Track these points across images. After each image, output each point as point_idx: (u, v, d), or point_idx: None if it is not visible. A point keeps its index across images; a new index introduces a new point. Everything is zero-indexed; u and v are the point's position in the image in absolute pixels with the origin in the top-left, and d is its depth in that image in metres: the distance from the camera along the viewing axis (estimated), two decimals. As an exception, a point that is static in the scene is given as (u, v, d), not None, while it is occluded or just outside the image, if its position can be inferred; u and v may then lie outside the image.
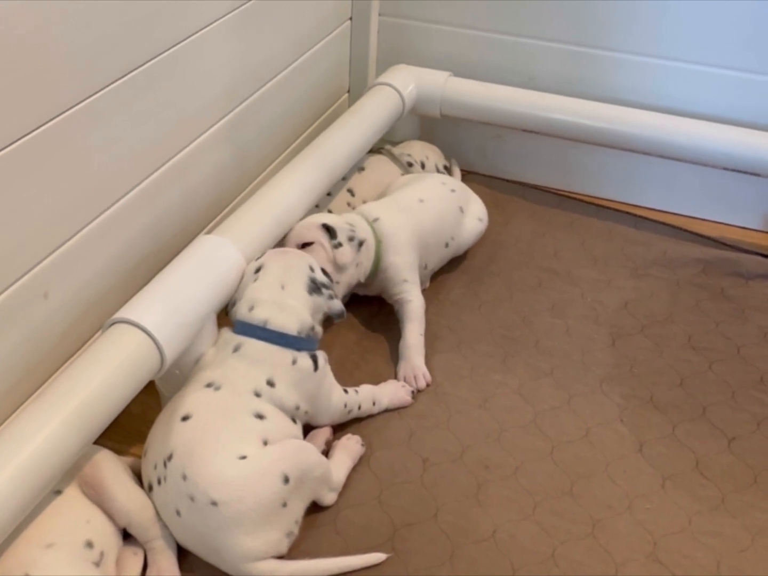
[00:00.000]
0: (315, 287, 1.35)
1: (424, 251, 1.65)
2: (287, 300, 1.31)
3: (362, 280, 1.57)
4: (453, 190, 1.76)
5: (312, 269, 1.37)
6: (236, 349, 1.27)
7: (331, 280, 1.41)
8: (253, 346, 1.27)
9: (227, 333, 1.31)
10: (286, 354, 1.28)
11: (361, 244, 1.53)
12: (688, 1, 1.83)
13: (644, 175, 2.03)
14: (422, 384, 1.49)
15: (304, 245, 1.49)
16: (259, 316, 1.29)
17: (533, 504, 1.30)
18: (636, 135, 1.87)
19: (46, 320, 1.21)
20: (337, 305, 1.37)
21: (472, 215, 1.79)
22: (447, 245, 1.72)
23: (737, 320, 1.69)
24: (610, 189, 2.07)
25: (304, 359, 1.29)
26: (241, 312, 1.30)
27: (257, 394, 1.24)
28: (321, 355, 1.33)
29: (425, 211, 1.67)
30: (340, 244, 1.49)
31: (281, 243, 1.52)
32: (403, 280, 1.59)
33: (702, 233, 1.95)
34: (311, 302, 1.34)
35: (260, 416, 1.23)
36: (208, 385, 1.24)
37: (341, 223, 1.52)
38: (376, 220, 1.59)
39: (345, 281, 1.52)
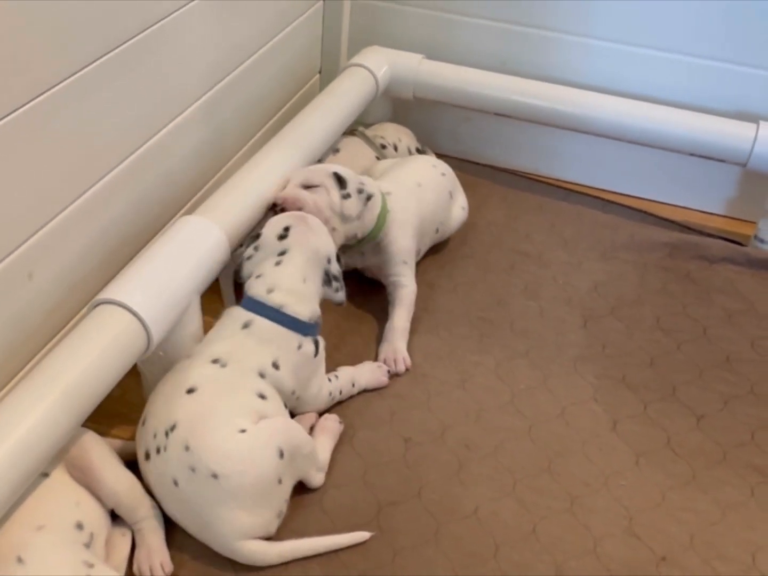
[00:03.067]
0: (327, 280, 1.36)
1: (420, 236, 1.67)
2: (306, 292, 1.33)
3: (359, 236, 1.56)
4: (443, 174, 1.77)
5: (329, 261, 1.37)
6: (246, 326, 1.28)
7: (341, 267, 1.41)
8: (265, 325, 1.28)
9: (236, 310, 1.31)
10: (293, 338, 1.30)
11: (369, 198, 1.54)
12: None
13: (612, 160, 2.07)
14: (402, 368, 1.51)
15: (309, 187, 1.49)
16: (276, 300, 1.30)
17: (513, 482, 1.33)
18: (605, 120, 1.91)
19: (31, 301, 1.20)
20: (341, 296, 1.39)
21: (458, 203, 1.80)
22: (437, 230, 1.74)
23: (703, 302, 1.74)
24: (578, 173, 2.11)
25: (308, 344, 1.32)
26: (258, 291, 1.31)
27: (262, 375, 1.26)
28: (321, 342, 1.36)
29: (424, 195, 1.68)
30: (348, 195, 1.50)
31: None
32: (402, 261, 1.60)
33: (667, 217, 2.00)
34: (323, 293, 1.36)
35: (262, 396, 1.24)
36: (215, 361, 1.24)
37: (352, 174, 1.53)
38: (388, 193, 1.60)
39: (344, 232, 1.52)
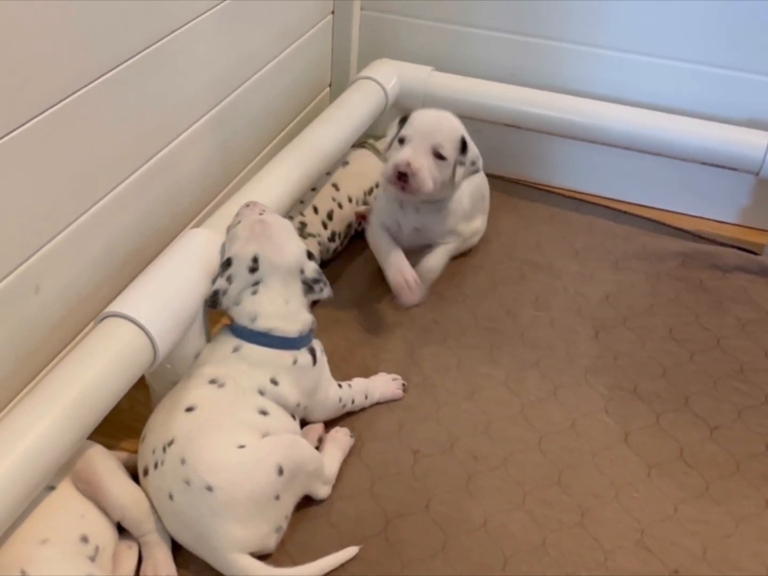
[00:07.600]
0: (309, 288, 1.32)
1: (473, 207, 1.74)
2: (291, 310, 1.30)
3: (438, 197, 1.59)
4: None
5: (302, 271, 1.32)
6: (236, 350, 1.27)
7: (317, 261, 1.36)
8: (253, 350, 1.27)
9: (225, 333, 1.30)
10: (286, 355, 1.28)
11: (476, 173, 1.60)
12: (671, 1, 1.87)
13: (623, 170, 2.06)
14: (415, 290, 1.56)
15: (438, 155, 1.51)
16: (262, 325, 1.28)
17: (523, 494, 1.32)
18: (616, 130, 1.90)
19: (37, 314, 1.20)
20: (327, 293, 1.35)
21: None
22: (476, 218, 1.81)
23: (716, 312, 1.73)
24: (589, 183, 2.10)
25: (303, 356, 1.30)
26: (242, 321, 1.29)
27: (261, 393, 1.25)
28: (317, 346, 1.34)
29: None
30: (462, 164, 1.54)
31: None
32: (456, 227, 1.68)
33: (679, 227, 1.98)
34: (308, 301, 1.33)
35: (264, 412, 1.24)
36: (212, 382, 1.25)
37: (473, 145, 1.56)
38: None
39: (434, 193, 1.55)
